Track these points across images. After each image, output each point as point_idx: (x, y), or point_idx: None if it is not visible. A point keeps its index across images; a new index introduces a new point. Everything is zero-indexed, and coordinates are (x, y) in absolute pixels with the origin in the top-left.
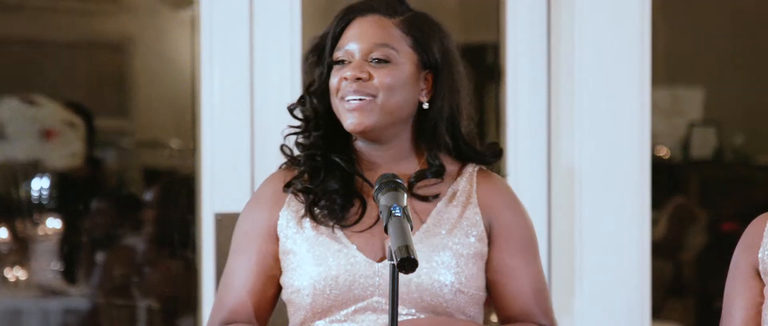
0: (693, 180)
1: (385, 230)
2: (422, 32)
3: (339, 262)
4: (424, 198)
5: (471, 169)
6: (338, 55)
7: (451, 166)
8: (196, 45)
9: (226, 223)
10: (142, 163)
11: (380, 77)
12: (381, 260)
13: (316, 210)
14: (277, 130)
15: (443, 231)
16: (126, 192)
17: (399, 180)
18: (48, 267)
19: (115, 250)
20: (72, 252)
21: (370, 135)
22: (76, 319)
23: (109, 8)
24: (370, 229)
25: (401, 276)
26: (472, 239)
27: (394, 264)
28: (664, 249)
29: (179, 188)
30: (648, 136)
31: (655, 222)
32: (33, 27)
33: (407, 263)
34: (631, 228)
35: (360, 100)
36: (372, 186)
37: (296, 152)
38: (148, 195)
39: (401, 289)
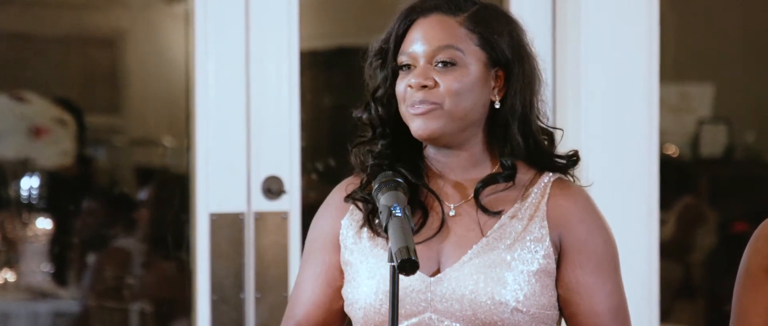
0: (703, 179)
1: (385, 230)
2: (489, 28)
3: (386, 276)
4: (486, 211)
5: (547, 179)
6: (402, 59)
7: (524, 175)
8: (190, 40)
9: (221, 223)
10: (135, 161)
11: (446, 83)
12: (434, 274)
13: (375, 221)
14: (273, 127)
15: (502, 246)
16: (118, 192)
17: (399, 179)
18: (37, 268)
19: (107, 251)
20: (62, 254)
21: (439, 141)
22: (66, 322)
23: (101, 2)
24: (426, 241)
25: (454, 290)
26: (536, 255)
27: (394, 266)
28: (673, 250)
29: (173, 187)
30: (656, 133)
31: (663, 222)
32: (22, 21)
33: (408, 264)
34: (639, 228)
35: (426, 107)
36: (437, 197)
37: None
38: (141, 195)
39: (454, 305)
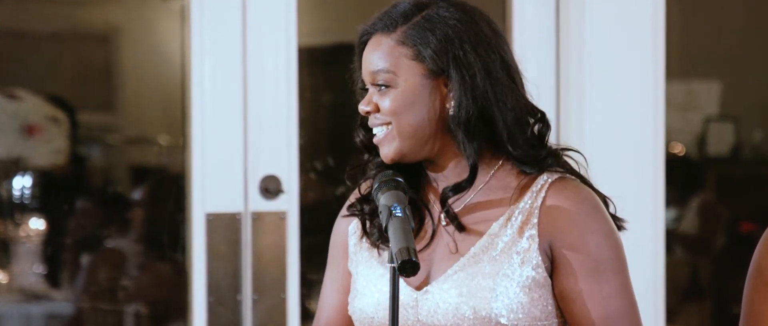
0: (709, 178)
1: (385, 230)
2: (422, 38)
3: (379, 288)
4: (455, 220)
5: (543, 181)
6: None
7: (515, 179)
8: (186, 36)
9: (217, 224)
10: (130, 160)
11: (383, 105)
12: (421, 287)
13: (373, 231)
14: (271, 125)
15: (488, 258)
16: (112, 192)
17: (399, 179)
18: (30, 270)
19: (101, 252)
20: (55, 255)
21: (407, 160)
22: (59, 324)
23: None
24: (418, 253)
25: (438, 304)
26: (524, 267)
27: (394, 267)
28: (680, 250)
29: (168, 187)
30: (662, 132)
31: (676, 220)
32: (14, 17)
33: (408, 265)
34: (645, 228)
35: (380, 131)
36: (427, 208)
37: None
38: (136, 195)
39: (439, 320)
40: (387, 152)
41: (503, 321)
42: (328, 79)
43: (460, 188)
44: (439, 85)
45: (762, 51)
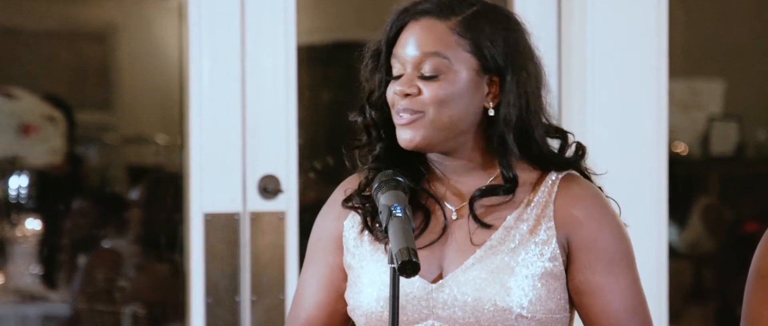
0: (713, 178)
1: (385, 231)
2: (482, 33)
3: (388, 283)
4: (479, 221)
5: (554, 177)
6: (393, 63)
7: (528, 175)
8: (184, 34)
9: (215, 224)
10: (127, 159)
11: (430, 91)
12: (436, 280)
13: (375, 225)
14: (270, 124)
15: (506, 250)
16: (109, 191)
17: (400, 178)
18: (26, 270)
19: (98, 253)
20: (52, 255)
21: (427, 150)
22: None
23: None
24: (429, 246)
25: (456, 297)
26: (542, 258)
27: (394, 268)
28: (683, 251)
29: (166, 186)
30: (665, 131)
31: (679, 220)
32: (9, 14)
33: (409, 266)
34: (648, 228)
35: (409, 115)
36: (436, 200)
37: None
38: (133, 194)
39: (456, 312)
40: (411, 137)
41: (524, 313)
42: (327, 77)
43: (493, 192)
44: (483, 84)
45: (765, 49)
